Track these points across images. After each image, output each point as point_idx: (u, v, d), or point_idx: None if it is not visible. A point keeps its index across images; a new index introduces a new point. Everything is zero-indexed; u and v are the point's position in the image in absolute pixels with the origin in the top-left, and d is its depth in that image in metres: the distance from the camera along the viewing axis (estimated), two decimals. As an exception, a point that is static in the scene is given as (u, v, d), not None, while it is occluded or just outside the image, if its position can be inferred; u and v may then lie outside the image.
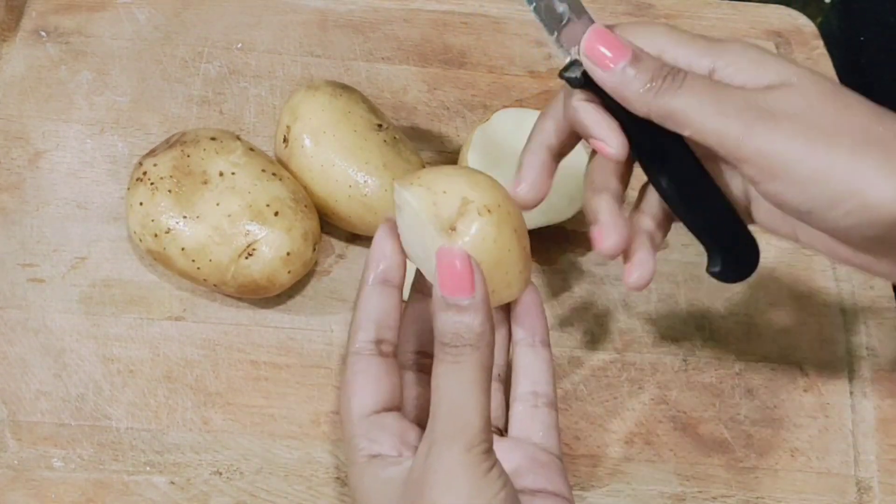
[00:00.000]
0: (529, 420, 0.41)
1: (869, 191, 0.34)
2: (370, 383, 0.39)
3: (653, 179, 0.40)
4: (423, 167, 0.50)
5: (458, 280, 0.35)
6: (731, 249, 0.41)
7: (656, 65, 0.36)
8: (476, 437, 0.35)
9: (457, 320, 0.35)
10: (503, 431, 0.42)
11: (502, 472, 0.35)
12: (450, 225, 0.36)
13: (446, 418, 0.35)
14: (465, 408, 0.35)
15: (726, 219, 0.40)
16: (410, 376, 0.41)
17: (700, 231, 0.41)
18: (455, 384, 0.35)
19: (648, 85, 0.36)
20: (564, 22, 0.38)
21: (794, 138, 0.34)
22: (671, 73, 0.36)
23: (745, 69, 0.36)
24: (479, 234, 0.36)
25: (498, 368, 0.42)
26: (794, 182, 0.35)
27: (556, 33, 0.38)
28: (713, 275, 0.42)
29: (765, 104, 0.35)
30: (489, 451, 0.35)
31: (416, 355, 0.42)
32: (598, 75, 0.37)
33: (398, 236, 0.39)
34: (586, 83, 0.37)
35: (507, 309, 0.41)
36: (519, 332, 0.42)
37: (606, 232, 0.40)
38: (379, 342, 0.39)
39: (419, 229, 0.37)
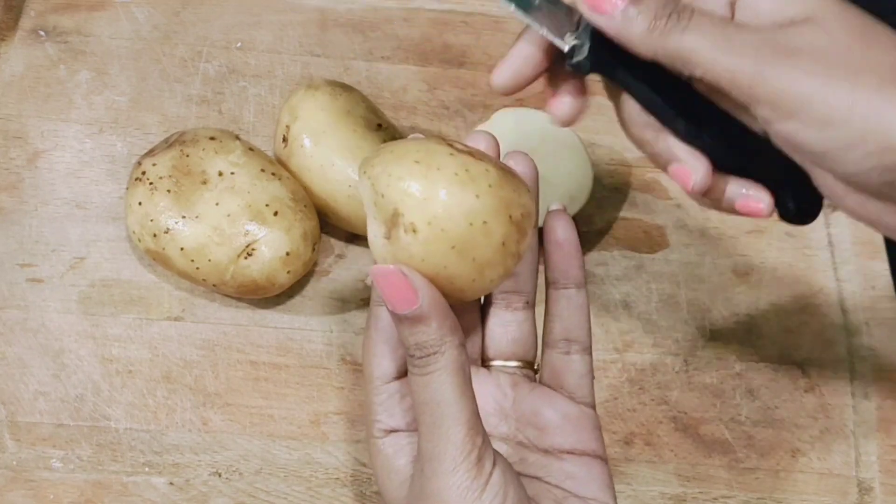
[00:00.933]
0: (562, 368, 0.40)
1: (893, 132, 0.32)
2: (392, 342, 0.37)
3: (698, 144, 0.38)
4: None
5: (397, 294, 0.34)
6: (797, 185, 0.38)
7: (659, 2, 0.34)
8: (460, 452, 0.34)
9: (411, 332, 0.34)
10: (535, 368, 0.41)
11: (501, 485, 0.34)
12: (386, 232, 0.35)
13: (428, 435, 0.34)
14: (444, 420, 0.34)
15: (778, 155, 0.37)
16: None
17: (763, 174, 0.38)
18: (429, 397, 0.34)
19: (653, 23, 0.34)
20: (543, 9, 0.37)
21: (813, 75, 0.33)
22: (676, 11, 0.34)
23: (768, 1, 0.35)
24: (406, 251, 0.34)
25: (527, 296, 0.40)
26: (811, 121, 0.33)
27: (543, 27, 0.37)
28: (789, 217, 0.39)
29: (783, 40, 0.33)
30: (481, 460, 0.34)
31: None
32: (599, 21, 0.35)
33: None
34: (594, 66, 0.36)
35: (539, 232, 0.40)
36: (551, 273, 0.40)
37: (692, 167, 0.37)
38: None
39: (367, 214, 0.36)
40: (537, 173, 0.40)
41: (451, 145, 0.35)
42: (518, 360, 0.41)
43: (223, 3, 0.61)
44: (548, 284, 0.40)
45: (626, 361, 0.51)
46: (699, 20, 0.34)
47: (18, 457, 0.45)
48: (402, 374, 0.38)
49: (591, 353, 0.40)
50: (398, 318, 0.34)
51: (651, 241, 0.55)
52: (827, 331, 0.53)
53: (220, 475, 0.46)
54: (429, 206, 0.33)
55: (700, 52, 0.34)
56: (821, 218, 0.56)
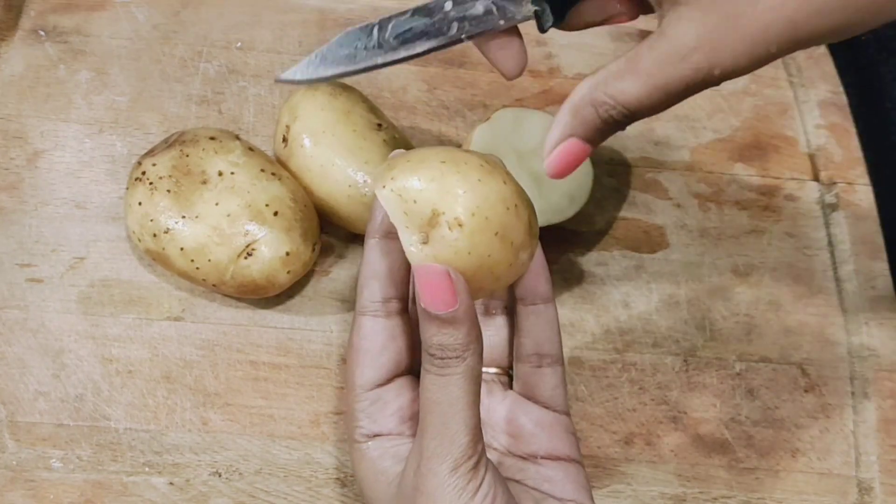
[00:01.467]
0: (535, 380, 0.40)
1: None
2: (374, 352, 0.38)
3: None
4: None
5: (438, 294, 0.34)
6: None
7: None
8: (463, 455, 0.34)
9: (440, 332, 0.34)
10: (509, 373, 0.41)
11: (492, 486, 0.35)
12: (422, 237, 0.35)
13: (434, 433, 0.35)
14: (453, 422, 0.34)
15: None
16: None
17: None
18: (442, 397, 0.35)
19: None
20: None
21: None
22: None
23: None
24: (451, 247, 0.35)
25: (504, 301, 0.41)
26: None
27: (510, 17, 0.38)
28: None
29: None
30: (478, 465, 0.35)
31: None
32: None
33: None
34: (558, 19, 0.37)
35: None
36: (519, 291, 0.40)
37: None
38: (386, 300, 0.38)
39: (397, 227, 0.36)
40: None
41: (458, 146, 0.37)
42: (496, 367, 0.41)
43: (223, 3, 0.61)
44: (515, 301, 0.41)
45: (626, 361, 0.51)
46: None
47: (18, 457, 0.45)
48: (384, 382, 0.38)
49: (562, 364, 0.41)
50: (430, 317, 0.34)
51: (651, 241, 0.55)
52: (826, 331, 0.53)
53: (220, 475, 0.46)
54: (470, 198, 0.35)
55: None
56: (821, 218, 0.57)
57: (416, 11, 0.39)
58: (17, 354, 0.48)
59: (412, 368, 0.40)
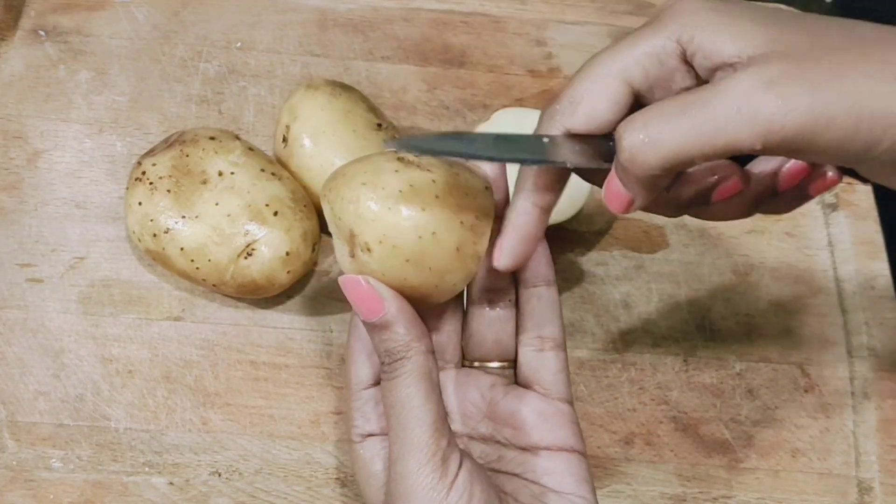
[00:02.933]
0: (536, 365, 0.41)
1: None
2: (368, 350, 0.39)
3: None
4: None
5: (364, 303, 0.36)
6: None
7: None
8: (425, 452, 0.35)
9: (381, 338, 0.36)
10: (514, 366, 0.42)
11: (468, 484, 0.36)
12: (350, 251, 0.37)
13: (395, 437, 0.36)
14: (409, 422, 0.36)
15: None
16: None
17: None
18: (395, 399, 0.36)
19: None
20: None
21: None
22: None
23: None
24: (367, 267, 0.36)
25: (509, 294, 0.41)
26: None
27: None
28: None
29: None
30: (446, 460, 0.35)
31: None
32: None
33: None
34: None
35: None
36: (521, 272, 0.41)
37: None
38: None
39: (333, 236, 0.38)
40: (503, 168, 0.40)
41: (400, 160, 0.37)
42: (500, 361, 0.42)
43: (223, 3, 0.61)
44: (518, 284, 0.41)
45: (626, 361, 0.51)
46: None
47: (18, 457, 0.45)
48: (378, 380, 0.39)
49: (565, 350, 0.41)
50: (369, 326, 0.37)
51: (651, 241, 0.55)
52: (827, 331, 0.53)
53: (219, 475, 0.46)
54: (378, 226, 0.36)
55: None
56: (821, 218, 0.57)
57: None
58: (17, 354, 0.48)
59: None
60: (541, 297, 0.41)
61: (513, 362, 0.42)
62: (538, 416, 0.39)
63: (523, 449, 0.40)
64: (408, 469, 0.35)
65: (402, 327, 0.36)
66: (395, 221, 0.36)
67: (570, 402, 0.40)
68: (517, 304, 0.41)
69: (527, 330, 0.41)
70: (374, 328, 0.36)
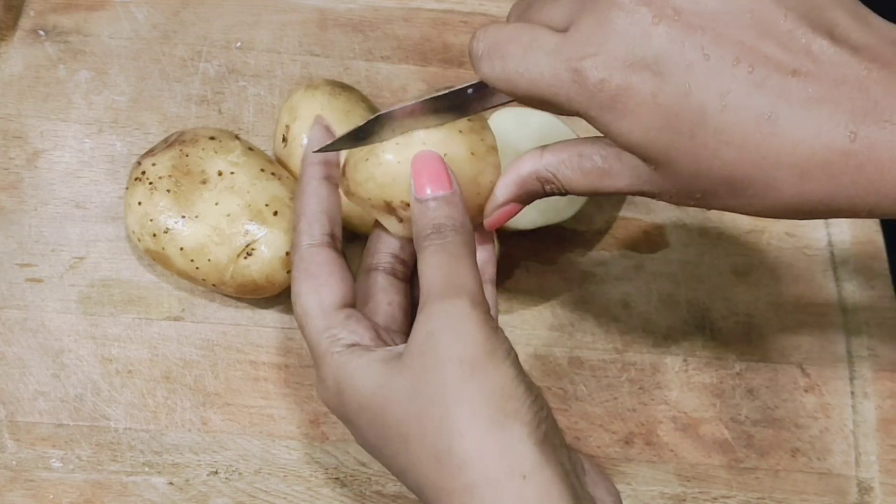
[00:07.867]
0: None
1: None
2: (335, 276, 0.40)
3: None
4: None
5: (437, 177, 0.38)
6: None
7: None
8: (477, 296, 0.35)
9: (435, 214, 0.37)
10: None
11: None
12: (395, 218, 0.40)
13: (445, 283, 0.36)
14: (461, 274, 0.36)
15: None
16: (382, 278, 0.42)
17: None
18: (446, 258, 0.36)
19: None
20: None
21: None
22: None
23: None
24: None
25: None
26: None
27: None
28: None
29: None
30: (488, 311, 0.36)
31: (391, 257, 0.43)
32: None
33: (332, 135, 0.43)
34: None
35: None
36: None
37: None
38: (332, 237, 0.41)
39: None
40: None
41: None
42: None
43: (223, 3, 0.61)
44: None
45: (626, 361, 0.51)
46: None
47: (18, 457, 0.45)
48: (350, 304, 0.40)
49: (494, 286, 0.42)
50: (424, 201, 0.37)
51: (651, 240, 0.55)
52: (827, 330, 0.53)
53: (219, 475, 0.46)
54: (401, 179, 0.39)
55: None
56: (821, 218, 0.57)
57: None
58: (17, 354, 0.48)
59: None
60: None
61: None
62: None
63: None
64: (459, 304, 0.35)
65: (460, 205, 0.38)
66: (395, 161, 0.39)
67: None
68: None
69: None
70: (429, 203, 0.37)
